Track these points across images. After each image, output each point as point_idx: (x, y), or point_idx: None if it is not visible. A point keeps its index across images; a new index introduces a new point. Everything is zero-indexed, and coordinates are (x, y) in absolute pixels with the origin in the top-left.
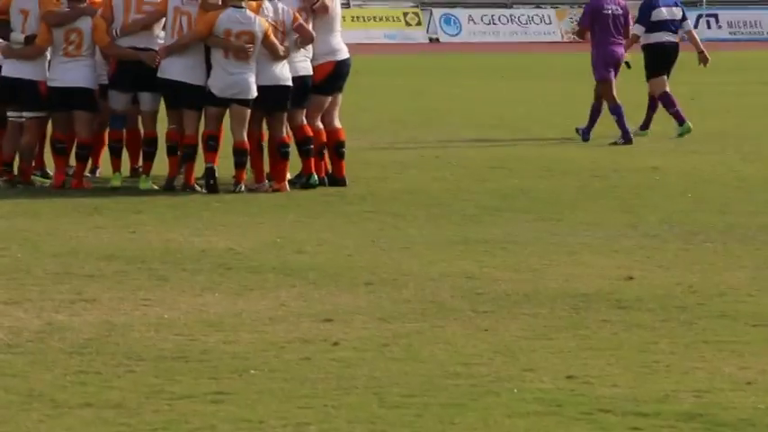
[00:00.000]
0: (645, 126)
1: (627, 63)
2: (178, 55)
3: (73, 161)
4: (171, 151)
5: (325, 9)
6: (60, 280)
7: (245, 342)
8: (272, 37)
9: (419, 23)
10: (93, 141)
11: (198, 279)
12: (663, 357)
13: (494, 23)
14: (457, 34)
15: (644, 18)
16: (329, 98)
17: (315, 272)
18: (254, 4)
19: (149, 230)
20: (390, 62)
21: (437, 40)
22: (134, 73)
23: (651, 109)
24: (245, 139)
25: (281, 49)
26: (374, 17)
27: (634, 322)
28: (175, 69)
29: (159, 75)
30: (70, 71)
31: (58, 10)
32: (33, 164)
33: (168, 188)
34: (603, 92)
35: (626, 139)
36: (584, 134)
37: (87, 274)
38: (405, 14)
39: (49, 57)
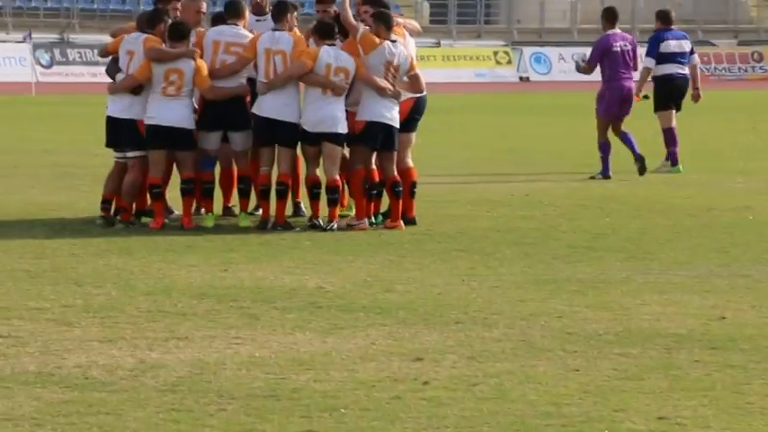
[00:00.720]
0: (674, 162)
1: (645, 96)
2: (275, 93)
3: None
4: (265, 195)
5: (370, 45)
6: (153, 318)
7: (336, 381)
8: (365, 71)
9: (509, 62)
10: (198, 177)
11: (289, 317)
12: (756, 399)
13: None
14: (547, 73)
15: (653, 50)
16: (414, 134)
17: (405, 310)
18: (376, 40)
19: (241, 269)
20: (481, 101)
21: (527, 78)
22: (222, 112)
23: (670, 144)
24: (337, 176)
25: (381, 83)
26: (464, 56)
27: (727, 363)
28: (271, 107)
29: (256, 112)
30: (169, 110)
31: (161, 47)
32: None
33: (262, 228)
34: (599, 127)
35: (605, 175)
36: (639, 162)
37: (180, 313)
38: (495, 53)
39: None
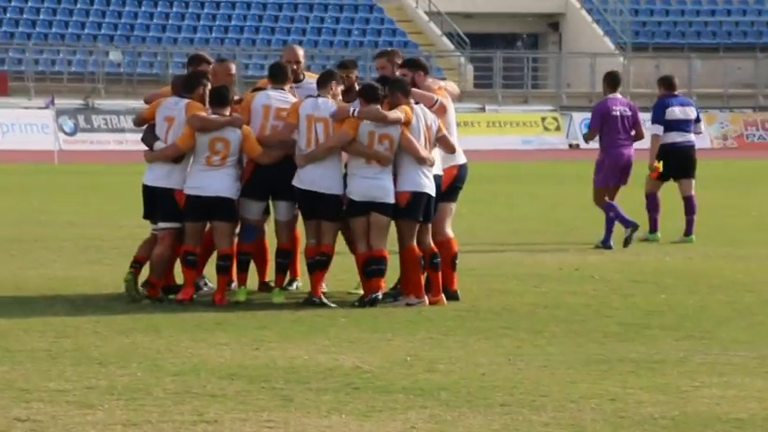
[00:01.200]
0: (653, 228)
1: (656, 169)
2: (315, 164)
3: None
4: (310, 268)
5: (443, 109)
6: (181, 400)
7: None
8: (409, 136)
9: (558, 128)
10: (233, 252)
11: (324, 399)
12: None
13: None
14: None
15: (658, 117)
16: (455, 204)
17: (447, 392)
18: (407, 108)
19: (273, 347)
20: (527, 169)
21: (577, 146)
22: (270, 181)
23: (687, 213)
24: (384, 247)
25: (421, 150)
26: (510, 122)
27: None
28: (311, 179)
29: (296, 185)
30: (211, 179)
31: (206, 115)
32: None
33: (311, 304)
34: (596, 198)
35: (605, 245)
36: (632, 229)
37: (209, 394)
38: (543, 119)
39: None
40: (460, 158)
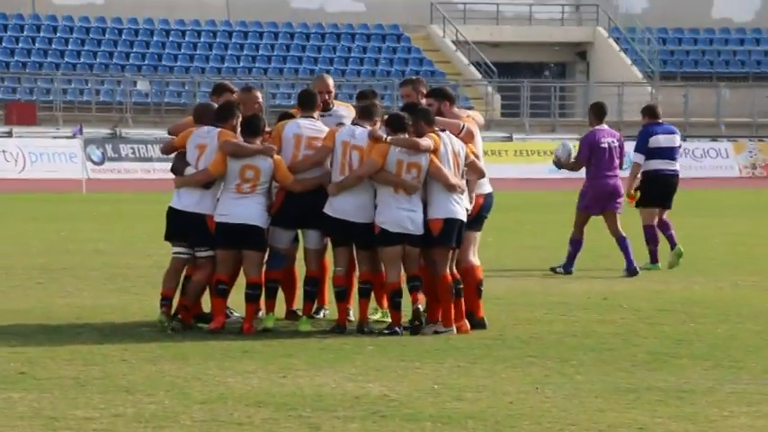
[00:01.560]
0: (654, 259)
1: (632, 198)
2: (348, 192)
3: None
4: (339, 297)
5: (471, 135)
6: (208, 428)
7: None
8: (438, 164)
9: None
10: (261, 281)
11: (351, 427)
12: None
13: None
14: (626, 168)
15: (642, 146)
16: (480, 233)
17: (474, 420)
18: (435, 136)
19: (300, 375)
20: (555, 198)
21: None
22: (300, 209)
23: (651, 242)
24: (417, 272)
25: (451, 177)
26: (538, 151)
27: None
28: (343, 208)
29: (329, 213)
30: (241, 207)
31: (239, 141)
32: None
33: (338, 332)
34: (576, 222)
35: (567, 270)
36: (653, 261)
37: (236, 422)
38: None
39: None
40: (486, 188)
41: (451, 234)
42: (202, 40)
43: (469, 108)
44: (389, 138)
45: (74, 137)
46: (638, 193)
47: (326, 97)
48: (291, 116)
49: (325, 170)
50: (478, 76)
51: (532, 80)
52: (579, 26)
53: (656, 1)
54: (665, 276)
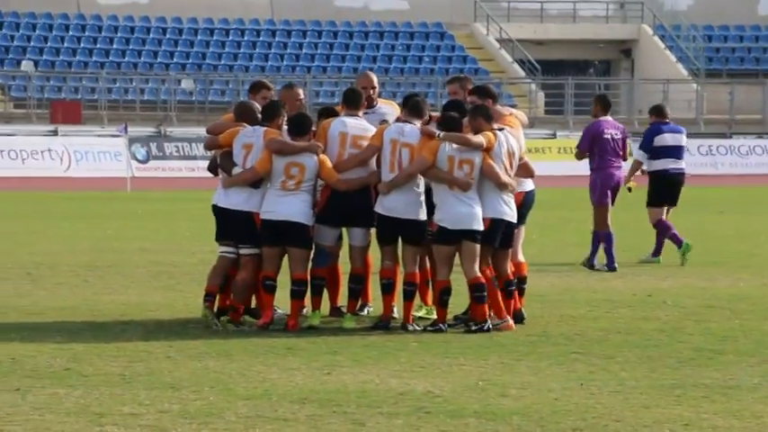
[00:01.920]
0: (656, 253)
1: (629, 188)
2: (397, 189)
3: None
4: (386, 289)
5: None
6: (253, 424)
7: None
8: (490, 162)
9: (631, 154)
10: (307, 278)
11: (395, 423)
12: None
13: (711, 154)
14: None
15: (647, 144)
16: (520, 230)
17: (519, 416)
18: (491, 134)
19: (345, 372)
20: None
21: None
22: (345, 207)
23: (660, 235)
24: (479, 273)
25: (502, 176)
26: None
27: None
28: (395, 206)
29: (379, 211)
30: (286, 204)
31: (284, 140)
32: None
33: (383, 328)
34: (598, 217)
35: (610, 267)
36: (589, 262)
37: (281, 418)
38: None
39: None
40: (527, 185)
41: (496, 234)
42: (246, 38)
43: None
44: (442, 134)
45: (119, 135)
46: (630, 191)
47: (371, 93)
48: (332, 111)
49: (371, 169)
50: (522, 73)
51: (576, 78)
52: (624, 23)
53: None
54: (710, 273)
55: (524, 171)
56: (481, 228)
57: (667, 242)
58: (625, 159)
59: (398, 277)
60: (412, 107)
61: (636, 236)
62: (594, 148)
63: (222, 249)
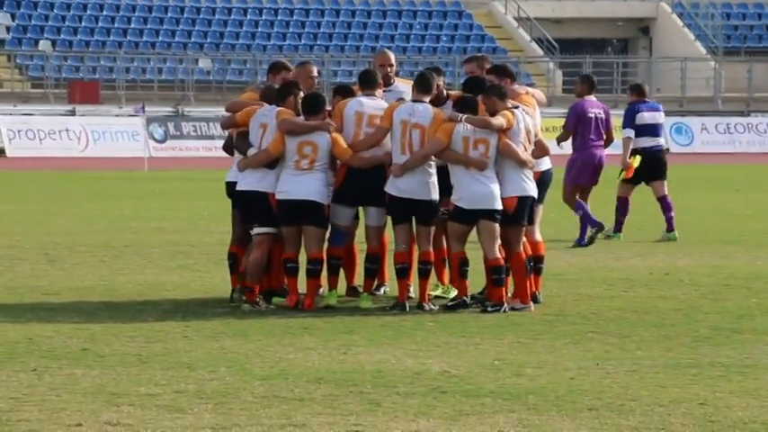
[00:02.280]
0: (669, 228)
1: (628, 165)
2: (411, 171)
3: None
4: (401, 274)
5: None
6: (269, 404)
7: None
8: (508, 141)
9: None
10: (323, 257)
11: (411, 403)
12: None
13: (729, 132)
14: (689, 144)
15: (629, 121)
16: (538, 209)
17: (535, 396)
18: (509, 113)
19: (361, 351)
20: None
21: (667, 150)
22: (361, 187)
23: (665, 211)
24: (499, 255)
25: (521, 153)
26: None
27: None
28: (408, 187)
29: (392, 192)
30: (300, 184)
31: (295, 119)
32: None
33: (399, 309)
34: (565, 196)
35: (580, 243)
36: (597, 229)
37: (297, 398)
38: None
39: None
40: (544, 164)
41: (524, 212)
42: (264, 17)
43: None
44: (463, 117)
45: (136, 115)
46: (636, 159)
47: (388, 70)
48: (347, 89)
49: (386, 148)
50: (540, 52)
51: (595, 56)
52: (642, 1)
53: None
54: (727, 251)
55: (539, 150)
56: (500, 207)
57: (682, 220)
58: (610, 140)
59: (414, 259)
60: (418, 82)
61: (647, 214)
62: (578, 127)
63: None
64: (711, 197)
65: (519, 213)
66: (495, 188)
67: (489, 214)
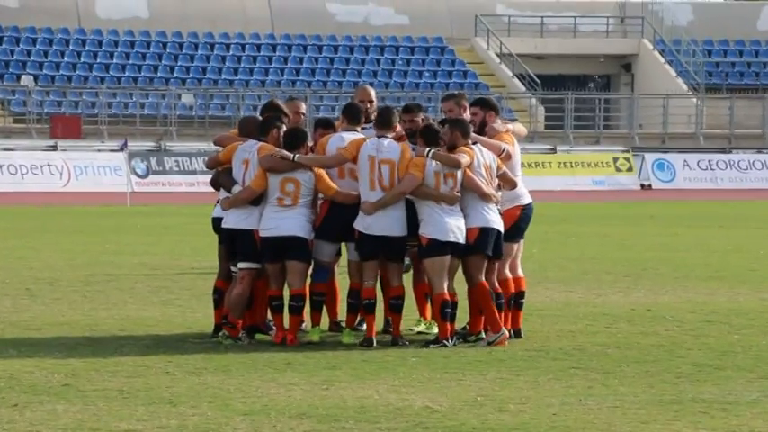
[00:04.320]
0: None
1: None
2: (385, 208)
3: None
4: (368, 309)
5: (508, 157)
6: None
7: None
8: (472, 175)
9: (630, 169)
10: (306, 293)
11: None
12: None
13: (711, 169)
14: (671, 180)
15: None
16: (517, 244)
17: None
18: (469, 150)
19: (343, 387)
20: (599, 210)
21: (649, 186)
22: (343, 222)
23: None
24: (445, 290)
25: (484, 187)
26: (582, 162)
27: None
28: (381, 225)
29: (362, 230)
30: (284, 220)
31: (277, 155)
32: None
33: (367, 345)
34: None
35: None
36: None
37: None
38: (615, 159)
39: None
40: (525, 199)
41: (487, 242)
42: (246, 53)
43: (513, 120)
44: (431, 152)
45: (119, 150)
46: None
47: (368, 107)
48: (328, 122)
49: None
50: (522, 88)
51: (577, 92)
52: (624, 38)
53: (702, 13)
54: (709, 287)
55: (506, 182)
56: (464, 242)
57: (664, 256)
58: None
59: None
60: (379, 119)
61: (632, 251)
62: None
63: (234, 269)
64: (693, 233)
65: (480, 243)
66: (463, 222)
67: (456, 248)
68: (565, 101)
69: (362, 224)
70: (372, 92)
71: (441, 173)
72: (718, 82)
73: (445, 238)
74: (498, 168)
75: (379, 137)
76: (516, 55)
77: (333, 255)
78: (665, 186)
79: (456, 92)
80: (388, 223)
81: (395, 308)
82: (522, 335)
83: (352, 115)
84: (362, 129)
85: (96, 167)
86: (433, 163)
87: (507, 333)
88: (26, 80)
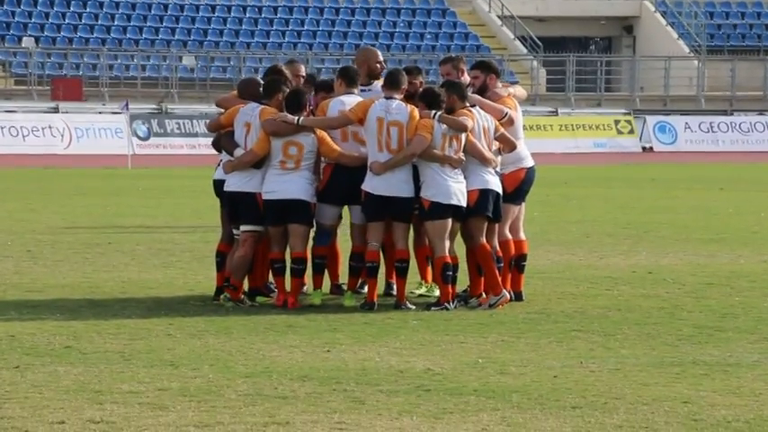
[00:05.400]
0: None
1: None
2: (392, 170)
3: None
4: (371, 273)
5: (511, 122)
6: (252, 402)
7: None
8: (473, 139)
9: (632, 131)
10: (307, 256)
11: (395, 401)
12: None
13: (712, 131)
14: (672, 143)
15: None
16: (519, 207)
17: (518, 394)
18: (470, 113)
19: (345, 349)
20: (600, 172)
21: (651, 148)
22: (347, 185)
23: None
24: (447, 253)
25: (485, 152)
26: (583, 125)
27: None
28: (387, 185)
29: (369, 190)
30: (287, 183)
31: (280, 118)
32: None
33: (368, 308)
34: None
35: None
36: None
37: (280, 396)
38: (616, 122)
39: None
40: (528, 161)
41: (486, 204)
42: (248, 15)
43: (514, 83)
44: (438, 115)
45: (120, 113)
46: None
47: (378, 68)
48: (327, 84)
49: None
50: (524, 50)
51: (578, 54)
52: (626, 0)
53: None
54: (710, 250)
55: (505, 144)
56: (465, 204)
57: (665, 218)
58: None
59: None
60: (388, 79)
61: (634, 212)
62: None
63: (236, 231)
64: (694, 196)
65: (480, 205)
66: (464, 186)
67: (458, 211)
68: (566, 63)
69: (370, 184)
70: (380, 54)
71: (447, 135)
72: (719, 44)
73: (447, 201)
74: (496, 130)
75: (387, 98)
76: (518, 17)
77: (335, 218)
78: (666, 149)
79: (453, 55)
80: (395, 184)
81: (400, 271)
82: (524, 298)
83: (350, 78)
84: (362, 91)
85: (97, 130)
86: (443, 126)
87: (508, 295)
88: (27, 42)
